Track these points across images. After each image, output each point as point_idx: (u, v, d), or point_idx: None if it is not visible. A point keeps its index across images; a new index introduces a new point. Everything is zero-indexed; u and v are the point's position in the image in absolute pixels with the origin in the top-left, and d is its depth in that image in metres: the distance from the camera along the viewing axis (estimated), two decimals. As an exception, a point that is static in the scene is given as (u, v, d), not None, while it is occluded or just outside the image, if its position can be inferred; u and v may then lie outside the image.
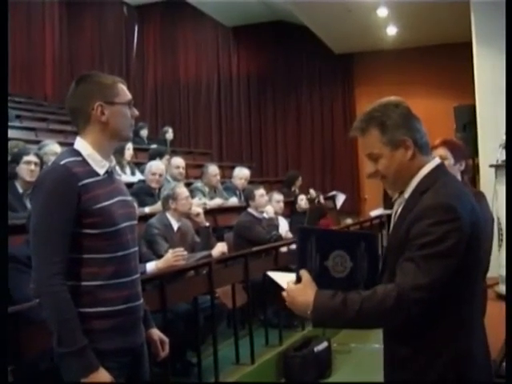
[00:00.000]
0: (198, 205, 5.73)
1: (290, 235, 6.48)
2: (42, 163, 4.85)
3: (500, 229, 5.55)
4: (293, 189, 9.14)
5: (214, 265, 4.38)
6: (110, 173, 2.20)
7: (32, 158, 4.77)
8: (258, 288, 5.03)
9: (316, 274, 1.86)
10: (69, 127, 8.92)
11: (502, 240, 5.55)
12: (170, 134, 10.81)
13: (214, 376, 4.26)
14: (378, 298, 1.74)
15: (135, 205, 2.45)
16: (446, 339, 1.79)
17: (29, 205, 4.44)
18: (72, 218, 2.02)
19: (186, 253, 4.26)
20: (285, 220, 7.09)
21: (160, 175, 6.11)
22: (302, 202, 7.92)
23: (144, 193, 6.04)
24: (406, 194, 1.91)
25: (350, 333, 5.55)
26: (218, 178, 7.34)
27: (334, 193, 10.11)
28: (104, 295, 2.07)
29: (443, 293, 1.74)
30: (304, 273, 1.86)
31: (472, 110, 7.74)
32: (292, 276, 1.92)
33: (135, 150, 8.32)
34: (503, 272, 5.18)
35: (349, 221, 8.95)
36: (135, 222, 2.27)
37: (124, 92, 2.21)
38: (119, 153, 6.70)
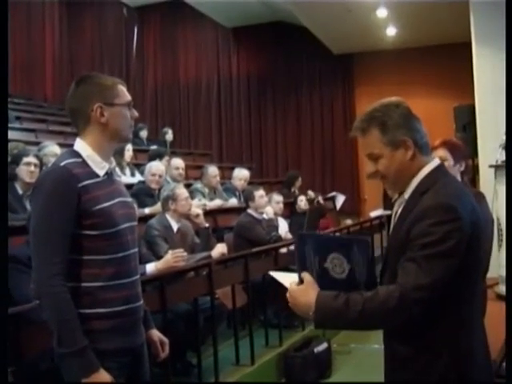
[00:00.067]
0: (197, 206, 5.73)
1: (289, 236, 6.48)
2: (41, 164, 4.85)
3: (500, 229, 5.55)
4: (292, 189, 9.14)
5: (213, 266, 4.38)
6: (109, 174, 2.20)
7: (32, 159, 4.77)
8: (258, 289, 5.03)
9: (317, 276, 1.87)
10: (68, 128, 8.93)
11: (501, 240, 5.55)
12: (169, 135, 10.82)
13: (214, 376, 4.26)
14: (380, 298, 1.74)
15: (135, 206, 2.45)
16: (447, 339, 1.79)
17: (28, 206, 4.44)
18: (72, 219, 2.03)
19: (185, 254, 4.26)
20: (284, 221, 7.09)
21: (160, 176, 6.11)
22: (302, 202, 7.92)
23: (144, 194, 6.04)
24: (406, 195, 1.92)
25: (349, 333, 5.55)
26: (218, 178, 7.34)
27: (333, 193, 10.11)
28: (104, 296, 2.07)
29: (444, 293, 1.75)
30: (306, 274, 1.87)
31: (472, 110, 7.74)
32: (294, 276, 1.93)
33: (135, 151, 8.32)
34: (503, 272, 5.18)
35: (349, 221, 8.95)
36: (135, 223, 2.27)
37: (124, 93, 2.21)
38: (119, 154, 6.70)
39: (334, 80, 12.94)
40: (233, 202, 7.32)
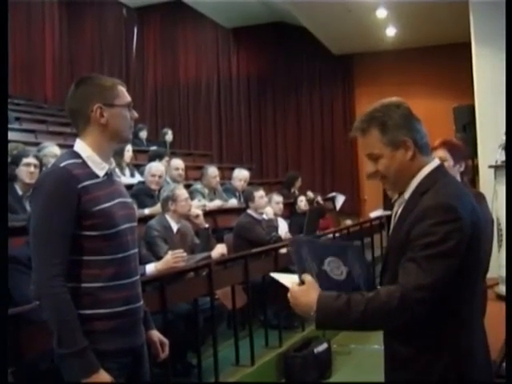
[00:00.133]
0: (197, 206, 5.73)
1: (289, 236, 6.47)
2: (41, 165, 4.85)
3: (500, 229, 5.56)
4: (292, 190, 9.14)
5: (213, 266, 4.37)
6: (109, 175, 2.20)
7: (31, 160, 4.77)
8: (258, 289, 5.03)
9: (317, 277, 1.88)
10: (68, 129, 8.93)
11: (501, 240, 5.55)
12: (169, 136, 10.82)
13: (214, 377, 4.26)
14: (381, 298, 1.74)
15: (135, 206, 2.46)
16: (447, 339, 1.79)
17: (28, 207, 4.44)
18: (72, 220, 2.03)
19: (185, 254, 4.26)
20: (284, 221, 7.09)
21: (159, 177, 6.11)
22: (302, 203, 7.93)
23: (143, 194, 6.03)
24: (406, 195, 1.92)
25: (349, 334, 5.55)
26: (218, 179, 7.34)
27: (333, 194, 10.11)
28: (104, 297, 2.08)
29: (444, 293, 1.75)
30: (306, 276, 1.87)
31: (471, 110, 7.74)
32: (295, 277, 1.93)
33: (135, 151, 8.32)
34: (503, 273, 5.18)
35: (348, 222, 8.94)
36: (135, 223, 2.27)
37: (124, 94, 2.21)
38: (119, 154, 6.69)
39: (333, 80, 12.95)
40: (233, 202, 7.32)
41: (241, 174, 7.68)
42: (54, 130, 9.53)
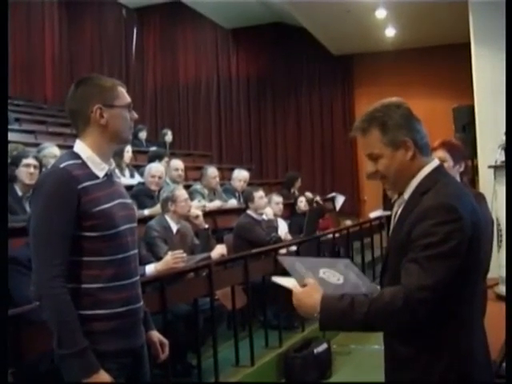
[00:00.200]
0: (197, 207, 5.73)
1: (289, 237, 6.48)
2: (41, 166, 4.85)
3: (499, 229, 5.56)
4: (292, 190, 9.13)
5: (213, 267, 4.37)
6: (109, 175, 2.20)
7: (31, 160, 4.76)
8: (258, 289, 5.03)
9: (317, 281, 1.89)
10: (68, 130, 8.93)
11: (501, 241, 5.56)
12: (169, 136, 10.82)
13: (214, 377, 4.26)
14: (385, 299, 1.75)
15: (135, 207, 2.46)
16: (447, 339, 1.80)
17: (28, 208, 4.44)
18: (72, 221, 2.03)
19: (185, 255, 4.26)
20: (284, 222, 7.09)
21: (159, 177, 6.11)
22: (302, 203, 7.93)
23: (143, 195, 6.03)
24: (406, 195, 1.92)
25: (349, 334, 5.54)
26: (218, 180, 7.34)
27: (333, 194, 10.11)
28: (104, 297, 2.08)
29: (445, 293, 1.75)
30: (309, 279, 1.87)
31: (471, 110, 7.75)
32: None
33: (134, 152, 8.32)
34: (503, 273, 5.19)
35: (348, 222, 8.93)
36: (135, 224, 2.27)
37: (123, 95, 2.21)
38: (118, 155, 6.69)
39: (333, 81, 12.95)
40: (232, 203, 7.32)
41: (240, 175, 7.68)
42: (54, 131, 9.53)
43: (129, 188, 5.72)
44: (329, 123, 13.00)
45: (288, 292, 1.92)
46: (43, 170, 4.69)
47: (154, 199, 5.97)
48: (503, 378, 2.53)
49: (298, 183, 9.28)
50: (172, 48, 14.18)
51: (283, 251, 5.72)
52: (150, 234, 4.76)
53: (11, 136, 7.03)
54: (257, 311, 5.39)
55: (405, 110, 1.92)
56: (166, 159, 7.21)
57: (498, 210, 5.50)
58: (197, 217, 5.22)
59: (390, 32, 10.70)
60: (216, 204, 6.85)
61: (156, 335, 2.37)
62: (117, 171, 6.53)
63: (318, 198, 8.59)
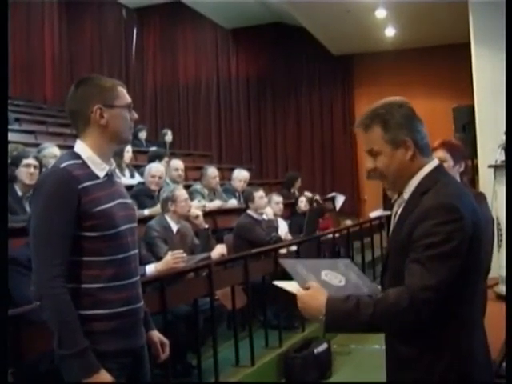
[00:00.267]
0: (197, 207, 5.73)
1: (289, 237, 6.48)
2: (41, 166, 4.85)
3: (499, 229, 5.56)
4: (292, 190, 9.14)
5: (213, 267, 4.37)
6: (109, 175, 2.20)
7: (31, 161, 4.76)
8: (258, 289, 5.03)
9: (319, 283, 1.89)
10: (68, 130, 8.93)
11: (501, 240, 5.56)
12: (169, 137, 10.82)
13: (214, 377, 4.26)
14: (390, 300, 1.75)
15: (135, 207, 2.46)
16: (448, 339, 1.80)
17: (28, 208, 4.44)
18: (72, 221, 2.03)
19: (185, 255, 4.26)
20: (284, 222, 7.09)
21: (159, 177, 6.11)
22: (303, 203, 7.92)
23: (143, 195, 6.03)
24: (406, 195, 1.92)
25: (349, 334, 5.54)
26: (218, 180, 7.34)
27: (333, 194, 10.10)
28: (104, 297, 2.08)
29: (447, 293, 1.75)
30: (312, 282, 1.87)
31: (471, 110, 7.75)
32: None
33: (134, 152, 8.32)
34: (503, 272, 5.19)
35: (348, 222, 8.93)
36: (135, 224, 2.27)
37: (124, 95, 2.21)
38: (118, 155, 6.69)
39: (333, 81, 12.96)
40: (232, 202, 7.32)
41: (240, 175, 7.68)
42: (54, 131, 9.53)
43: (129, 188, 5.72)
44: (329, 123, 13.00)
45: (289, 293, 1.92)
46: (43, 170, 4.69)
47: (154, 199, 5.97)
48: (503, 378, 2.53)
49: (298, 183, 9.28)
50: (172, 48, 14.18)
51: (283, 251, 5.72)
52: (150, 234, 4.76)
53: (11, 136, 7.03)
54: (257, 311, 5.39)
55: (407, 109, 1.93)
56: (165, 159, 7.21)
57: (498, 210, 5.50)
58: (197, 217, 5.22)
59: (390, 32, 10.71)
60: (216, 204, 6.84)
61: (156, 335, 2.37)
62: (117, 171, 6.53)
63: (317, 197, 8.58)
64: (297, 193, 9.05)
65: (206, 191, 7.01)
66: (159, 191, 5.81)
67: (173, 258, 4.13)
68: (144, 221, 4.96)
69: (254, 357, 4.73)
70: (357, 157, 12.46)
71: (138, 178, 7.10)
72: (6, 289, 2.39)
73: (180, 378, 4.34)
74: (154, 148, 9.23)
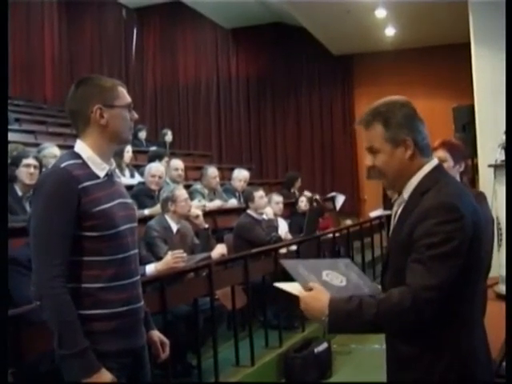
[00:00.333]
0: (197, 207, 5.73)
1: (289, 236, 6.48)
2: (41, 166, 4.85)
3: (499, 229, 5.56)
4: (292, 190, 9.14)
5: (213, 266, 4.37)
6: (109, 175, 2.20)
7: (31, 160, 4.76)
8: (258, 289, 5.03)
9: (321, 284, 1.89)
10: (68, 130, 8.93)
11: (501, 240, 5.56)
12: (169, 136, 10.83)
13: (214, 377, 4.26)
14: (393, 300, 1.75)
15: (135, 207, 2.46)
16: (449, 339, 1.80)
17: (28, 208, 4.44)
18: (72, 221, 2.03)
19: (185, 255, 4.26)
20: (284, 221, 7.09)
21: (159, 177, 6.11)
22: (303, 203, 7.92)
23: (143, 195, 6.03)
24: (406, 195, 1.92)
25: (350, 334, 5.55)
26: (218, 179, 7.34)
27: (333, 194, 10.10)
28: (105, 297, 2.08)
29: (448, 293, 1.75)
30: (314, 283, 1.87)
31: (471, 110, 7.75)
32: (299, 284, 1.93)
33: (134, 152, 8.32)
34: (503, 272, 5.18)
35: (348, 222, 8.93)
36: (135, 224, 2.27)
37: (124, 95, 2.21)
38: (118, 155, 6.69)
39: (333, 81, 12.96)
40: (232, 202, 7.32)
41: (240, 175, 7.68)
42: (54, 131, 9.53)
43: (129, 188, 5.72)
44: (329, 123, 13.01)
45: (291, 294, 1.92)
46: (43, 170, 4.69)
47: (154, 199, 5.97)
48: (503, 378, 2.54)
49: (298, 183, 9.29)
50: (172, 48, 14.18)
51: (283, 251, 5.71)
52: (150, 234, 4.76)
53: (11, 136, 7.03)
54: (257, 311, 5.39)
55: (409, 109, 1.93)
56: (165, 159, 7.21)
57: (498, 209, 5.49)
58: (197, 217, 5.22)
59: (390, 32, 10.71)
60: (216, 204, 6.85)
61: (157, 335, 2.37)
62: (117, 171, 6.53)
63: (317, 197, 8.59)
64: (297, 193, 9.06)
65: (206, 191, 7.02)
66: (159, 191, 5.81)
67: (173, 258, 4.12)
68: (144, 221, 4.96)
69: (254, 357, 4.73)
70: (357, 157, 12.47)
71: (138, 178, 7.10)
72: (6, 289, 2.39)
73: (180, 378, 4.34)
74: (153, 148, 9.23)
